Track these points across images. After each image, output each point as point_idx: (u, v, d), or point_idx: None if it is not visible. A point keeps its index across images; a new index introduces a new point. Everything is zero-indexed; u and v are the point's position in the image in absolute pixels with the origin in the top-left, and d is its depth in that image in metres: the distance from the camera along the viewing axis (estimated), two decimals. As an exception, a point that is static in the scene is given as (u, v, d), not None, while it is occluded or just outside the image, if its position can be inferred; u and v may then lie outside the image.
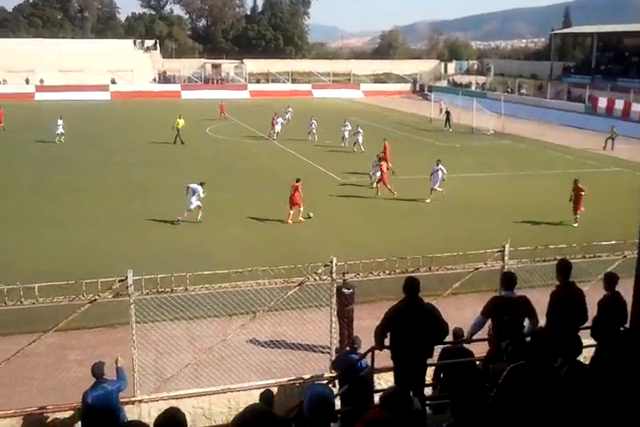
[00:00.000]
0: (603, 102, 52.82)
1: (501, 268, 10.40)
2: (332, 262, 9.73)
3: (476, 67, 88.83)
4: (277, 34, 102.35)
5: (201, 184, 21.46)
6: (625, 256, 10.73)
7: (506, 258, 10.47)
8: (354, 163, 32.19)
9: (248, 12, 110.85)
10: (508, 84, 70.26)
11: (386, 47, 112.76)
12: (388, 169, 26.10)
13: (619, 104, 51.09)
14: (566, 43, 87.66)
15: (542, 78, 70.11)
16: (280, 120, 41.71)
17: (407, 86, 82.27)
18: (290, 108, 48.91)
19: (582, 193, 21.84)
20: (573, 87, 61.55)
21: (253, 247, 18.56)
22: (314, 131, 39.95)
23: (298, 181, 21.86)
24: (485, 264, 10.49)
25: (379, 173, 25.60)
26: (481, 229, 20.78)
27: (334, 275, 9.81)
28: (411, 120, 53.38)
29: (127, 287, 9.06)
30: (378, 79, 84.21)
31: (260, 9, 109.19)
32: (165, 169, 30.45)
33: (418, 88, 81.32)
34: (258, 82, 79.24)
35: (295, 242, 19.23)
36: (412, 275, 8.42)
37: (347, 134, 37.88)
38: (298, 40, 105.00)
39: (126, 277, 9.00)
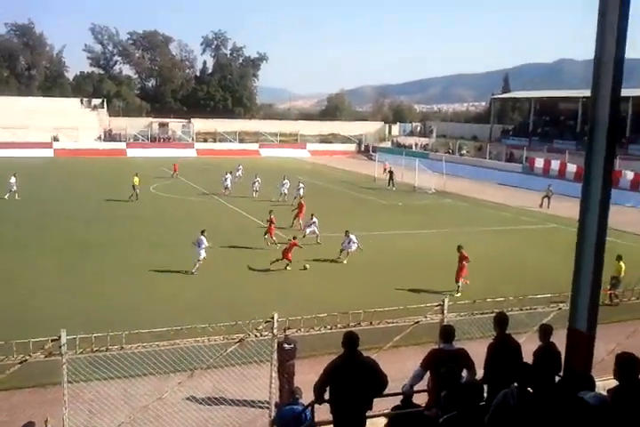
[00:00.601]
0: (539, 163, 55.05)
1: (441, 321, 10.51)
2: (273, 318, 9.72)
3: (419, 129, 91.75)
4: (226, 94, 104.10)
5: (202, 233, 22.18)
6: (560, 308, 10.98)
7: (445, 311, 10.60)
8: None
9: (198, 74, 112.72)
10: (449, 146, 72.63)
11: (332, 109, 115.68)
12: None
13: (555, 164, 53.28)
14: (505, 107, 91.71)
15: (482, 140, 72.80)
16: (229, 176, 42.28)
17: (352, 147, 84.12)
18: (240, 166, 49.40)
19: (465, 262, 20.25)
20: (512, 148, 64.05)
21: (192, 303, 18.29)
22: (256, 188, 41.18)
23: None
24: (425, 317, 10.58)
25: (309, 230, 27.24)
26: (423, 283, 21.05)
27: (275, 330, 9.80)
28: (356, 179, 54.36)
29: (60, 347, 8.78)
30: (324, 139, 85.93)
31: (209, 70, 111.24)
32: (109, 226, 30.16)
33: (363, 148, 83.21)
34: (205, 141, 79.83)
35: (236, 298, 19.04)
36: (353, 329, 8.44)
37: (285, 190, 39.36)
38: (246, 101, 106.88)
39: (59, 337, 8.73)
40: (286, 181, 40.21)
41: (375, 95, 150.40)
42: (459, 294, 19.44)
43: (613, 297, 15.01)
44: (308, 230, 26.18)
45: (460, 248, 20.52)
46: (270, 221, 26.71)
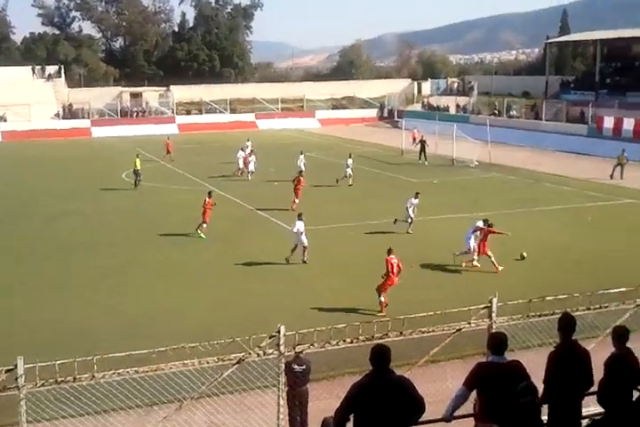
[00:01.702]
0: (609, 122, 54.73)
1: (488, 327, 10.49)
2: (279, 333, 9.67)
3: (456, 85, 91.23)
4: (213, 54, 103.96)
5: (299, 217, 24.50)
6: (638, 305, 10.92)
7: (493, 315, 10.57)
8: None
9: (176, 29, 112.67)
10: (495, 106, 72.29)
11: (346, 66, 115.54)
12: None
13: (628, 124, 52.93)
14: (564, 53, 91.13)
15: (536, 97, 72.34)
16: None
17: (373, 112, 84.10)
18: (249, 142, 48.65)
19: (392, 273, 19.41)
20: (574, 106, 63.61)
21: (177, 314, 18.46)
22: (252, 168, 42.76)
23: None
24: (469, 324, 10.56)
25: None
26: (466, 281, 21.11)
27: (282, 347, 9.74)
28: (379, 153, 54.34)
29: (16, 379, 8.82)
30: (337, 105, 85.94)
31: (190, 24, 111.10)
32: (85, 223, 30.71)
33: (386, 114, 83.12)
34: (188, 113, 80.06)
35: (226, 301, 19.20)
36: (380, 342, 8.43)
37: (303, 166, 40.16)
38: (238, 60, 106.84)
39: (15, 366, 8.77)
40: (302, 156, 41.74)
41: (400, 45, 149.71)
42: (383, 313, 18.24)
43: None
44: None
45: (389, 252, 19.72)
46: (205, 207, 28.39)
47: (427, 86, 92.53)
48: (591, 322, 10.52)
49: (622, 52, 71.35)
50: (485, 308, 10.73)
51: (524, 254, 24.18)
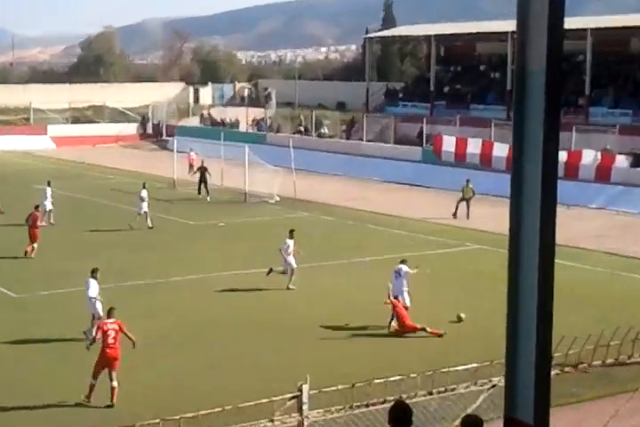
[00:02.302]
0: (450, 144, 57.34)
1: (298, 425, 10.63)
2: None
3: (247, 93, 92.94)
4: None
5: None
6: (494, 385, 11.43)
7: (305, 408, 10.75)
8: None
9: None
10: (300, 121, 74.05)
11: (92, 62, 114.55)
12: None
13: (474, 146, 55.66)
14: (389, 51, 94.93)
15: (355, 109, 75.01)
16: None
17: (132, 128, 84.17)
18: None
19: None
20: (404, 122, 66.45)
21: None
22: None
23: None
24: (272, 422, 10.70)
25: None
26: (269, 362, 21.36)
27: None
28: (139, 184, 53.80)
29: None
30: (80, 117, 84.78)
31: None
32: None
33: (151, 130, 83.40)
34: None
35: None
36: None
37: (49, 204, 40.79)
38: None
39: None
40: (49, 190, 42.26)
41: (168, 37, 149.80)
42: None
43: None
44: None
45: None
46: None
47: (207, 93, 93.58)
48: (435, 411, 10.88)
49: (464, 53, 75.50)
50: (293, 398, 10.88)
51: (462, 316, 25.11)
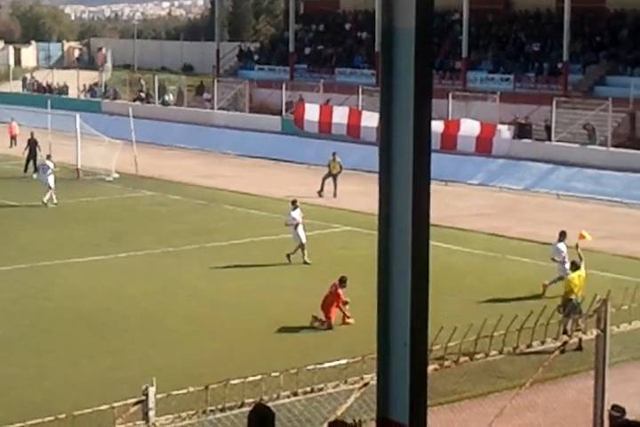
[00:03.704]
0: (313, 113, 57.60)
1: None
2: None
3: (77, 54, 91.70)
4: None
5: None
6: (366, 384, 11.56)
7: (151, 414, 10.78)
8: None
9: None
10: (141, 86, 73.38)
11: None
12: None
13: (340, 115, 56.02)
14: (242, 8, 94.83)
15: (204, 73, 74.97)
16: None
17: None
18: None
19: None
20: (260, 88, 66.50)
21: None
22: None
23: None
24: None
25: None
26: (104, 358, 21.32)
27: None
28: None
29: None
30: None
31: None
32: None
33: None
34: None
35: None
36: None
37: None
38: None
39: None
40: None
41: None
42: None
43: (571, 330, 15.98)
44: None
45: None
46: None
47: (30, 54, 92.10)
48: (300, 413, 10.97)
49: (326, 9, 75.79)
50: (138, 403, 10.87)
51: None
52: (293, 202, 32.03)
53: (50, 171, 40.80)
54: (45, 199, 39.73)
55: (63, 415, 10.57)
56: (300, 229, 30.90)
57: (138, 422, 10.79)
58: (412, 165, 5.98)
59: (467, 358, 12.40)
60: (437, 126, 45.61)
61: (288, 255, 30.61)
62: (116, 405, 10.67)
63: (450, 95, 50.53)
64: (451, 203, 37.94)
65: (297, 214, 31.19)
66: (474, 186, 46.02)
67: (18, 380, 20.76)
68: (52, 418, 10.58)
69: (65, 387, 20.03)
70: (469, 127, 49.37)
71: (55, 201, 40.02)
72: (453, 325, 11.74)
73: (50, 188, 40.17)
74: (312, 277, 29.26)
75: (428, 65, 6.04)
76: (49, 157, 41.75)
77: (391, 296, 6.24)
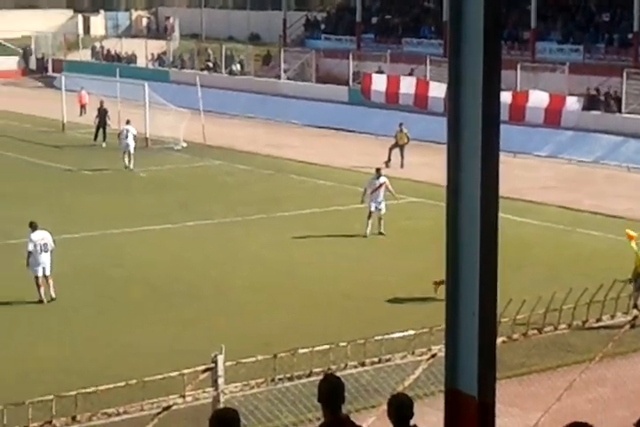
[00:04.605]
0: (380, 83, 57.01)
1: (213, 401, 10.82)
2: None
3: (146, 23, 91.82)
4: None
5: None
6: (434, 355, 11.61)
7: (220, 381, 10.89)
8: None
9: None
10: (208, 56, 73.27)
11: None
12: None
13: (407, 86, 55.49)
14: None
15: (271, 43, 74.51)
16: None
17: (12, 62, 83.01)
18: None
19: None
20: (327, 57, 66.14)
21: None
22: None
23: None
24: (183, 397, 10.83)
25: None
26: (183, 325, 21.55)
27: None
28: (23, 129, 53.86)
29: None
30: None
31: None
32: None
33: (34, 66, 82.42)
34: None
35: None
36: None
37: None
38: None
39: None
40: None
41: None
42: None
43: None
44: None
45: None
46: None
47: (99, 22, 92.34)
48: (367, 384, 11.04)
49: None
50: (207, 370, 10.99)
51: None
52: (377, 170, 32.25)
53: (132, 136, 42.27)
54: (131, 165, 41.76)
55: (133, 381, 10.73)
56: (374, 197, 30.99)
57: (207, 390, 10.91)
58: (481, 135, 6.00)
59: (535, 331, 12.39)
60: (505, 97, 45.08)
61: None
62: (185, 372, 10.81)
63: (518, 66, 50.03)
64: (519, 175, 37.64)
65: (378, 182, 31.22)
66: (542, 158, 45.57)
67: (87, 346, 21.11)
68: (122, 384, 10.75)
69: (134, 354, 20.25)
70: (538, 98, 48.80)
71: (132, 166, 41.61)
72: (522, 297, 11.74)
73: (130, 153, 41.83)
74: (378, 248, 29.33)
75: (497, 36, 6.04)
76: (128, 122, 43.11)
77: (460, 267, 6.28)
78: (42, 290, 24.03)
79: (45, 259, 24.27)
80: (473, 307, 6.23)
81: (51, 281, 24.26)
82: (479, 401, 6.30)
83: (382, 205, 30.78)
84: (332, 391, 8.78)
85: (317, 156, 45.48)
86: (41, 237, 24.48)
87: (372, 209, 30.64)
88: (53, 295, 24.16)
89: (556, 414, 13.46)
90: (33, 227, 24.75)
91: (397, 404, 8.62)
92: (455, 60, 6.15)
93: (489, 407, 6.40)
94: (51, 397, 10.20)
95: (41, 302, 23.99)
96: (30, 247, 24.17)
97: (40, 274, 24.15)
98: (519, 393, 15.91)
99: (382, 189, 31.05)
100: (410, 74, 57.19)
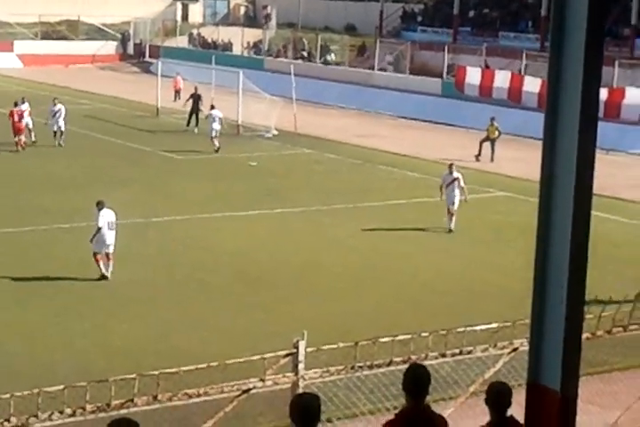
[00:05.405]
0: (474, 77, 57.12)
1: (293, 386, 10.90)
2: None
3: (243, 11, 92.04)
4: None
5: None
6: (515, 349, 11.57)
7: (300, 367, 10.98)
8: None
9: None
10: (303, 45, 73.40)
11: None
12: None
13: (502, 79, 55.46)
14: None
15: (366, 34, 74.33)
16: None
17: (111, 47, 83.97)
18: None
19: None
20: (422, 50, 65.95)
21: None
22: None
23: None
24: (263, 381, 10.91)
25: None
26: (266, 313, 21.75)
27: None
28: (119, 112, 54.30)
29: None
30: (51, 33, 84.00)
31: None
32: None
33: (132, 51, 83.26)
34: None
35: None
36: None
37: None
38: None
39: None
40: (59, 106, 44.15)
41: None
42: None
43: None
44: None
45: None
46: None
47: (197, 10, 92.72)
48: (447, 375, 11.02)
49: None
50: (288, 355, 11.07)
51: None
52: (450, 166, 31.58)
53: (219, 119, 43.16)
54: (217, 146, 42.69)
55: (215, 364, 10.83)
56: (448, 191, 30.78)
57: (287, 374, 10.99)
58: (578, 132, 5.95)
59: (620, 328, 12.27)
60: (601, 94, 44.45)
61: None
62: (267, 356, 10.88)
63: (616, 63, 49.44)
64: (611, 172, 37.13)
65: (451, 178, 30.83)
66: (636, 156, 44.91)
67: (172, 328, 21.26)
68: (204, 366, 10.87)
69: (217, 337, 20.34)
70: (634, 96, 48.31)
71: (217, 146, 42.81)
72: (607, 295, 11.64)
73: (215, 136, 42.64)
74: (465, 241, 29.20)
75: (600, 32, 5.98)
76: (213, 107, 43.85)
77: (550, 262, 6.26)
78: (102, 265, 24.27)
79: (112, 237, 24.58)
80: (560, 303, 6.21)
81: (111, 260, 24.58)
82: (562, 395, 6.27)
83: (455, 200, 30.46)
84: (417, 381, 8.76)
85: (407, 147, 45.29)
86: (109, 215, 24.79)
87: (450, 204, 30.48)
88: (108, 274, 24.40)
89: (637, 413, 13.34)
90: (101, 205, 24.97)
91: (495, 390, 8.63)
92: (555, 55, 6.11)
93: (571, 402, 6.38)
94: (133, 375, 10.36)
95: (104, 277, 24.18)
96: (101, 223, 24.39)
97: (105, 251, 24.47)
98: (600, 391, 15.70)
99: (455, 185, 30.67)
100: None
